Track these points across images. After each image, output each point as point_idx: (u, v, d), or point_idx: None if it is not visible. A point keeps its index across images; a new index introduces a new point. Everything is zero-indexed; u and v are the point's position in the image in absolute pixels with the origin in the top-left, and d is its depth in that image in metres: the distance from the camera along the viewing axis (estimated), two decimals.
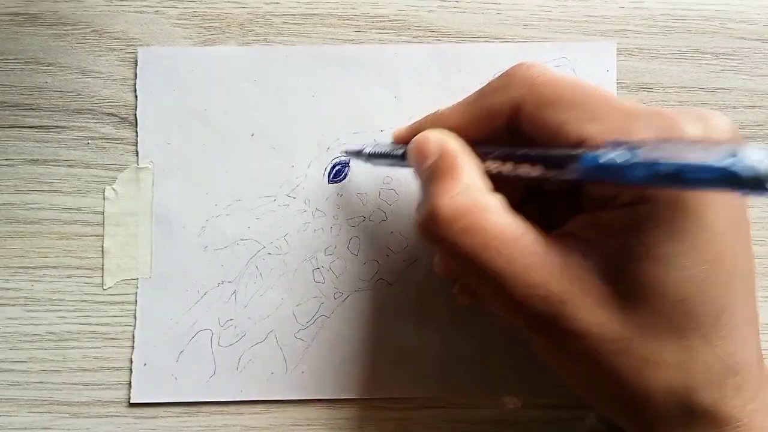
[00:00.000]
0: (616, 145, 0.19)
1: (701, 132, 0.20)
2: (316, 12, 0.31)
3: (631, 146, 0.19)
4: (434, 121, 0.25)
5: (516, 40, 0.31)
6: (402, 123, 0.30)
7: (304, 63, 0.30)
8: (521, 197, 0.26)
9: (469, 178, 0.22)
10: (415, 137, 0.24)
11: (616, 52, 0.30)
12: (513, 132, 0.23)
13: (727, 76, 0.31)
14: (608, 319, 0.20)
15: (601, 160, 0.19)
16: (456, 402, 0.30)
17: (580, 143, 0.21)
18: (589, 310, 0.20)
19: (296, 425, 0.29)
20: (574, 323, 0.20)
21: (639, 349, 0.20)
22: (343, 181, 0.30)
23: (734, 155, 0.16)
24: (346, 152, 0.30)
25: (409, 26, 0.31)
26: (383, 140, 0.29)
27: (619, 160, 0.19)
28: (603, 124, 0.20)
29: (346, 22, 0.31)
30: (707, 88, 0.31)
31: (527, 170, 0.22)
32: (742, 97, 0.31)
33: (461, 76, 0.30)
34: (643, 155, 0.18)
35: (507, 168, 0.23)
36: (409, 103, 0.30)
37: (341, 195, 0.30)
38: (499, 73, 0.23)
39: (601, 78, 0.30)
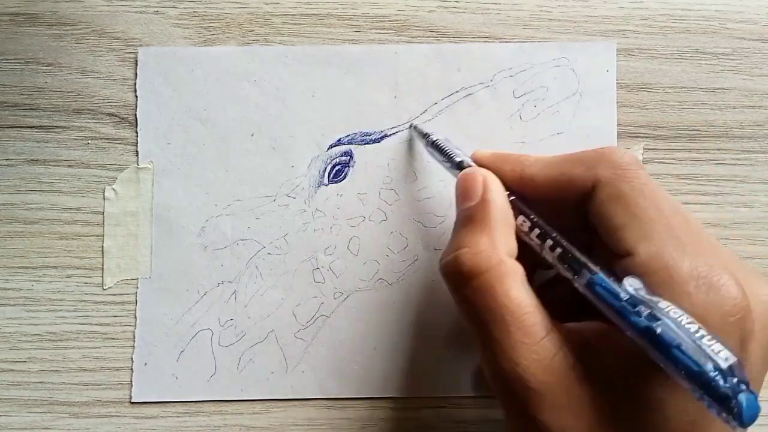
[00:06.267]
0: (638, 286, 0.19)
1: (739, 295, 0.19)
2: (316, 12, 0.31)
3: (646, 297, 0.19)
4: (515, 162, 0.25)
5: (516, 40, 0.31)
6: (401, 123, 0.30)
7: (304, 63, 0.30)
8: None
9: (499, 237, 0.22)
10: (465, 171, 0.25)
11: (616, 52, 0.30)
12: (576, 208, 0.23)
13: (726, 76, 0.31)
14: (573, 425, 0.20)
15: (609, 290, 0.20)
16: (456, 402, 0.30)
17: (627, 254, 0.21)
18: (559, 409, 0.20)
19: (296, 425, 0.29)
20: (539, 415, 0.20)
21: None
22: (343, 181, 0.30)
23: (721, 365, 0.16)
24: (413, 127, 0.30)
25: (409, 26, 0.31)
26: (453, 140, 0.29)
27: (624, 299, 0.19)
28: (654, 248, 0.20)
29: (346, 22, 0.31)
30: (707, 88, 0.31)
31: (547, 252, 0.23)
32: (741, 97, 0.31)
33: (461, 76, 0.30)
34: (648, 308, 0.18)
35: (533, 236, 0.23)
36: (409, 103, 0.30)
37: (341, 195, 0.30)
38: (590, 149, 0.24)
39: (601, 78, 0.30)
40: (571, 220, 0.24)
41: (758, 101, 0.31)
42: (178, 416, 0.29)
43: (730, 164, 0.31)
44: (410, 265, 0.30)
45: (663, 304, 0.19)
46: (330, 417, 0.29)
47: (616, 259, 0.22)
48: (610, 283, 0.20)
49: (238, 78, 0.30)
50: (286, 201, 0.30)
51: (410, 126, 0.30)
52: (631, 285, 0.20)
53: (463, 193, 0.24)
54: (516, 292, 0.21)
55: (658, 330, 0.18)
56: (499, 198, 0.23)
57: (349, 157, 0.30)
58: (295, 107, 0.30)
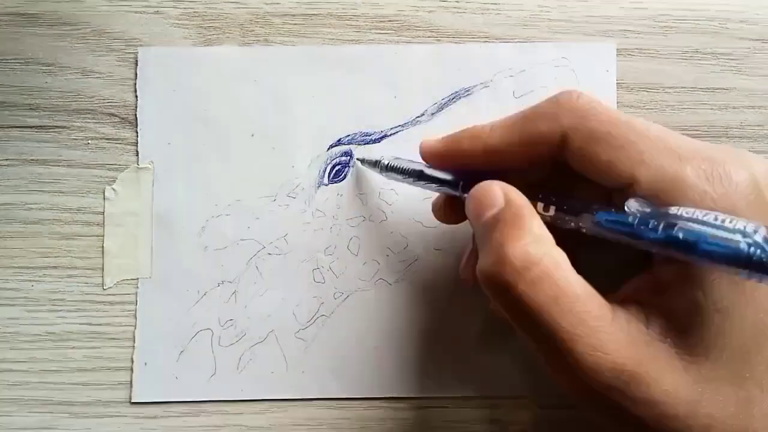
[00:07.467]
0: (642, 205, 0.19)
1: (748, 178, 0.19)
2: (316, 12, 0.31)
3: (653, 209, 0.19)
4: (470, 138, 0.24)
5: (516, 40, 0.31)
6: (401, 122, 0.30)
7: (304, 63, 0.30)
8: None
9: (539, 229, 0.21)
10: (477, 186, 0.23)
11: (616, 53, 0.30)
12: (555, 162, 0.23)
13: (727, 76, 0.31)
14: (676, 382, 0.19)
15: (616, 220, 0.19)
16: (456, 402, 0.30)
17: (629, 185, 0.20)
18: (660, 376, 0.19)
19: (296, 425, 0.30)
20: (647, 392, 0.19)
21: (705, 408, 0.19)
22: (343, 181, 0.30)
23: (752, 237, 0.16)
24: (361, 161, 0.30)
25: (409, 26, 0.31)
26: (400, 155, 0.28)
27: (633, 222, 0.19)
28: (653, 167, 0.20)
29: (346, 22, 0.31)
30: (707, 88, 0.31)
31: (543, 215, 0.22)
32: (742, 97, 0.31)
33: (461, 76, 0.30)
34: (661, 219, 0.18)
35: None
36: (409, 103, 0.30)
37: (341, 195, 0.30)
38: (546, 98, 0.23)
39: (601, 78, 0.30)
40: (549, 173, 0.23)
41: (758, 101, 0.31)
42: (178, 416, 0.29)
43: None
44: (410, 265, 0.30)
45: (672, 209, 0.18)
46: (330, 417, 0.30)
47: (617, 194, 0.21)
48: (614, 213, 0.20)
49: (238, 78, 0.30)
50: (286, 201, 0.30)
51: (358, 160, 0.30)
52: (633, 206, 0.19)
53: (482, 204, 0.22)
54: (574, 276, 0.20)
55: (680, 235, 0.18)
56: (521, 196, 0.22)
57: (349, 157, 0.30)
58: (295, 107, 0.30)
